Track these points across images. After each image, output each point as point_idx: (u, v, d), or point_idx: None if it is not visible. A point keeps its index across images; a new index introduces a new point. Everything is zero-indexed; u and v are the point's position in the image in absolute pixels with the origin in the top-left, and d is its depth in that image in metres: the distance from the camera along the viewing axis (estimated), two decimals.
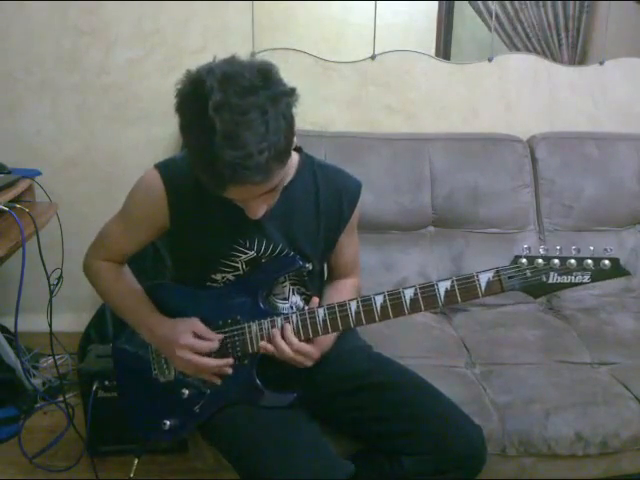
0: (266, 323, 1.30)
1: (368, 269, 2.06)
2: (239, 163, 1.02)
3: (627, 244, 2.28)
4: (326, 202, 1.36)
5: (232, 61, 1.09)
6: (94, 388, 1.84)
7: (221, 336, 1.32)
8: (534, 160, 2.28)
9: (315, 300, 1.31)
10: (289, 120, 1.09)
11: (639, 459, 1.59)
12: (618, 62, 2.45)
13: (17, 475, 1.91)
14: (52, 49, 2.31)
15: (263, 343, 1.28)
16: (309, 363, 1.30)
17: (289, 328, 1.27)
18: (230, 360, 1.32)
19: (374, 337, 1.57)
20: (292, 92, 1.10)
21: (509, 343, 1.88)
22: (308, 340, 1.29)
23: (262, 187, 1.10)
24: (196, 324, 1.32)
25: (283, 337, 1.27)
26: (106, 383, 1.84)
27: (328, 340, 1.34)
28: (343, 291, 1.43)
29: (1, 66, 2.31)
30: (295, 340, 1.27)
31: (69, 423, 2.01)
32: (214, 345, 1.31)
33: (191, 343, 1.29)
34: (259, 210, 1.18)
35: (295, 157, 1.33)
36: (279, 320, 1.29)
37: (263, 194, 1.14)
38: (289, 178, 1.29)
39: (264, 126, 1.03)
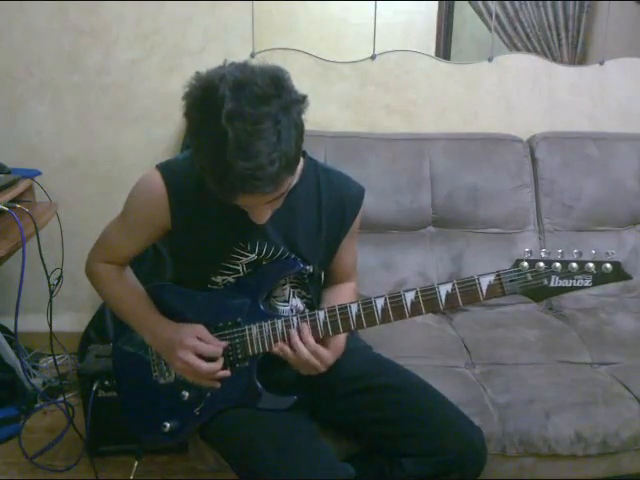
0: (266, 326, 1.30)
1: (368, 269, 2.06)
2: (250, 174, 1.02)
3: (627, 244, 2.28)
4: (328, 207, 1.35)
5: (244, 67, 1.07)
6: (94, 388, 1.84)
7: (225, 344, 1.32)
8: (534, 160, 2.28)
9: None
10: (300, 128, 1.09)
11: (639, 459, 1.59)
12: (618, 62, 2.46)
13: (17, 475, 1.91)
14: (52, 49, 2.30)
15: (281, 344, 1.27)
16: (323, 369, 1.28)
17: (307, 328, 1.26)
18: (222, 361, 1.31)
19: (374, 337, 1.57)
20: (303, 99, 1.09)
21: (509, 343, 1.88)
22: (326, 340, 1.29)
23: (271, 195, 1.11)
24: (201, 329, 1.32)
25: (300, 338, 1.26)
26: (106, 383, 1.84)
27: (342, 346, 1.33)
28: (343, 295, 1.43)
29: (1, 66, 2.31)
30: (312, 340, 1.26)
31: (69, 423, 2.01)
32: (217, 351, 1.30)
33: (195, 345, 1.29)
34: (264, 215, 1.19)
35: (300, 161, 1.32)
36: (279, 322, 1.29)
37: (270, 201, 1.14)
38: (293, 182, 1.29)
39: (276, 136, 1.02)
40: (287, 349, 1.27)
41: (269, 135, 1.02)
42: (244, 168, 1.01)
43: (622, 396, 1.64)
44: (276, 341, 1.29)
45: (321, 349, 1.26)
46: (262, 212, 1.18)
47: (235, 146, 1.01)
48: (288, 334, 1.27)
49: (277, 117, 1.03)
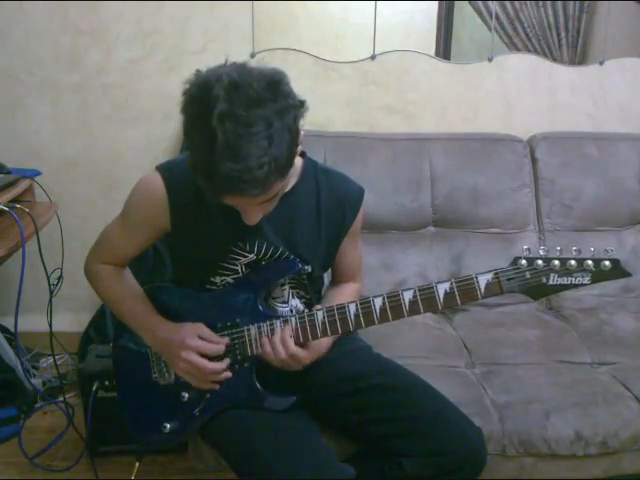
0: (265, 326, 1.30)
1: (368, 269, 2.06)
2: (237, 176, 1.02)
3: (627, 244, 2.28)
4: (328, 208, 1.35)
5: (242, 69, 1.06)
6: (94, 388, 1.84)
7: (227, 340, 1.32)
8: (534, 160, 2.28)
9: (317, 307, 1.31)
10: (294, 133, 1.08)
11: (639, 459, 1.59)
12: (618, 62, 2.45)
13: (17, 475, 1.91)
14: (52, 49, 2.30)
15: (264, 339, 1.28)
16: (298, 368, 1.30)
17: (288, 332, 1.27)
18: (228, 360, 1.32)
19: (374, 337, 1.57)
20: (301, 105, 1.09)
21: (509, 343, 1.88)
22: (306, 343, 1.29)
23: (259, 198, 1.10)
24: (201, 328, 1.32)
25: (280, 339, 1.27)
26: (106, 383, 1.85)
27: (322, 347, 1.34)
28: (343, 295, 1.43)
29: (1, 66, 2.31)
30: (291, 344, 1.27)
31: (69, 423, 2.01)
32: (220, 348, 1.30)
33: (198, 345, 1.29)
34: (255, 217, 1.18)
35: (299, 162, 1.32)
36: (278, 323, 1.29)
37: (261, 203, 1.14)
38: (292, 183, 1.29)
39: (267, 140, 1.02)
40: (267, 346, 1.28)
41: (260, 139, 1.01)
42: (231, 169, 1.01)
43: (622, 396, 1.64)
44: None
45: (299, 351, 1.27)
46: (253, 213, 1.18)
47: (224, 147, 1.01)
48: (272, 332, 1.28)
49: (270, 121, 1.02)
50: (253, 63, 1.09)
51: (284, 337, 1.27)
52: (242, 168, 1.01)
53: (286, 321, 1.29)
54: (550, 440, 1.53)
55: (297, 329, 1.28)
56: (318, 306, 1.33)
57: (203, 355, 1.29)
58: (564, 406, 1.58)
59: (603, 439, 1.54)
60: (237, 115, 1.00)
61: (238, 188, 1.04)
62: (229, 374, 1.32)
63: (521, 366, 1.75)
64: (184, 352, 1.29)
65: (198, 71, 1.08)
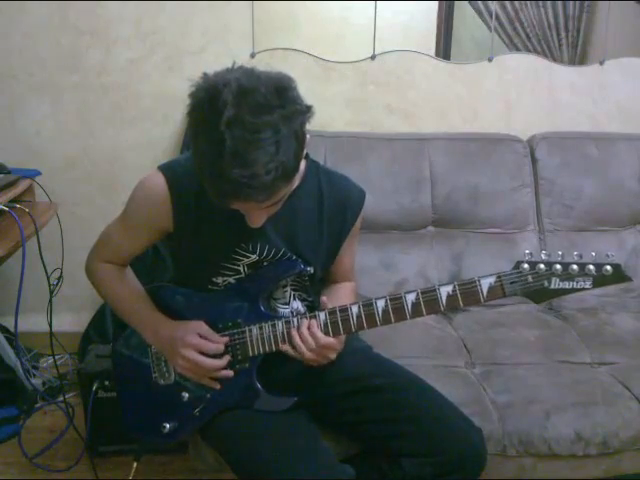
0: (267, 327, 1.30)
1: (368, 269, 2.07)
2: (245, 182, 1.02)
3: (627, 244, 2.27)
4: (329, 209, 1.35)
5: (250, 74, 1.06)
6: (94, 388, 1.84)
7: (226, 339, 1.32)
8: (534, 160, 2.28)
9: (324, 299, 1.29)
10: (301, 139, 1.08)
11: (639, 459, 1.59)
12: (618, 62, 2.45)
13: (17, 475, 1.91)
14: (52, 49, 2.30)
15: (293, 332, 1.26)
16: (332, 356, 1.28)
17: (315, 324, 1.26)
18: (228, 357, 1.32)
19: (374, 337, 1.56)
20: (307, 110, 1.09)
21: (509, 343, 1.88)
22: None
23: (265, 203, 1.11)
24: (202, 326, 1.32)
25: (308, 327, 1.26)
26: (106, 383, 1.85)
27: (341, 341, 1.33)
28: (343, 295, 1.43)
29: (1, 66, 2.31)
30: (321, 335, 1.25)
31: (69, 423, 2.01)
32: (219, 347, 1.31)
33: (197, 343, 1.29)
34: (260, 219, 1.19)
35: (302, 163, 1.32)
36: (280, 323, 1.29)
37: (266, 207, 1.14)
38: (295, 184, 1.29)
39: (275, 146, 1.02)
40: (297, 339, 1.25)
41: (268, 145, 1.01)
42: (239, 175, 1.01)
43: (622, 396, 1.64)
44: (277, 342, 1.29)
45: (330, 340, 1.25)
46: (258, 216, 1.18)
47: (232, 153, 1.00)
48: (300, 323, 1.26)
49: (278, 127, 1.02)
50: (260, 67, 1.09)
51: (312, 330, 1.25)
52: (249, 174, 1.01)
53: (288, 321, 1.29)
54: (550, 440, 1.53)
55: None
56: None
57: (202, 353, 1.29)
58: (564, 406, 1.58)
59: (603, 439, 1.54)
60: (245, 121, 1.00)
61: (245, 193, 1.04)
62: (230, 373, 1.32)
63: (521, 366, 1.75)
64: (183, 349, 1.29)
65: (205, 74, 1.07)
